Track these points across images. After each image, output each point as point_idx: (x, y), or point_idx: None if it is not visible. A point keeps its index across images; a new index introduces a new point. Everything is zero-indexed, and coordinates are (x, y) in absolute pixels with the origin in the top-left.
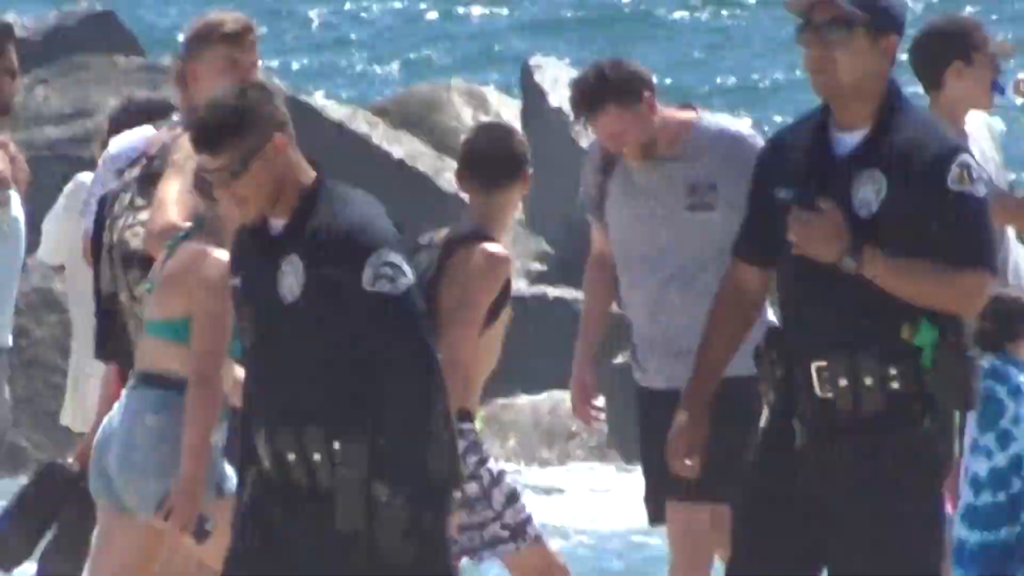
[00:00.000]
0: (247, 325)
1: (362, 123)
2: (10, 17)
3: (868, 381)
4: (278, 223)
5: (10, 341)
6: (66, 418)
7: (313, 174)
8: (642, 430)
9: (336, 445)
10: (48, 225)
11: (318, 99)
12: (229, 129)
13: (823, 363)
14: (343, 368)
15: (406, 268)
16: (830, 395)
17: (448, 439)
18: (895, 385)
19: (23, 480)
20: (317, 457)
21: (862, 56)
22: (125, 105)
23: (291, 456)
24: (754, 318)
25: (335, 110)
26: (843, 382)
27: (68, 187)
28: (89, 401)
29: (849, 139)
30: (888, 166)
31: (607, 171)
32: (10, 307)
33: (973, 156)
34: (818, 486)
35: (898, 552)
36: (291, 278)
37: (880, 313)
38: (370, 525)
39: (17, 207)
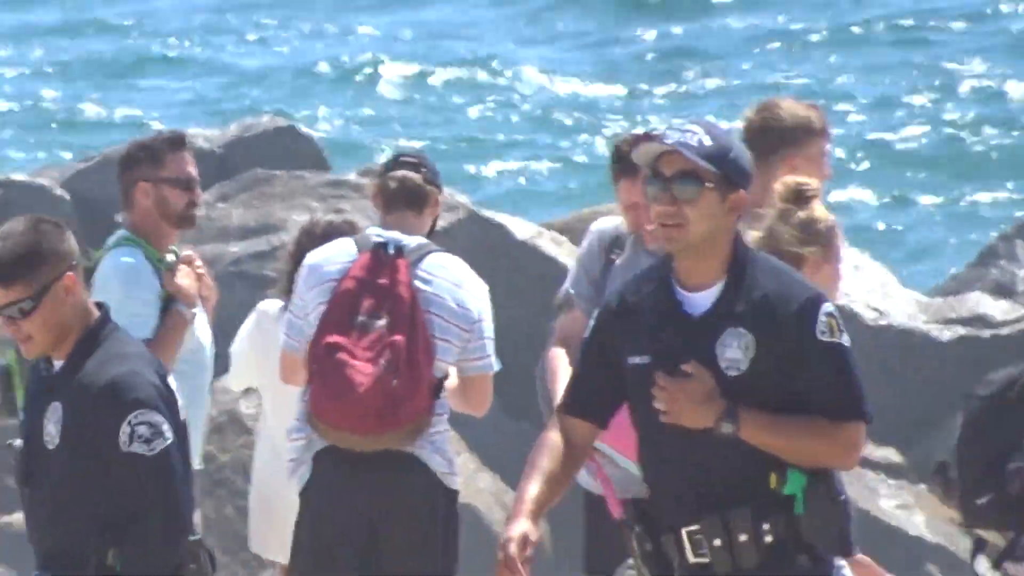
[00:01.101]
0: (16, 466)
1: (548, 243)
2: (191, 130)
3: (743, 538)
4: (58, 363)
5: (200, 463)
6: (254, 544)
7: (97, 314)
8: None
9: None
10: (237, 348)
11: (504, 217)
12: (23, 263)
13: (695, 527)
14: (90, 519)
15: (165, 428)
16: (705, 559)
17: None
18: (769, 539)
19: None
20: None
21: (711, 211)
22: (308, 229)
23: None
24: (579, 466)
25: (521, 228)
26: (717, 542)
27: (254, 313)
28: (287, 526)
29: (700, 297)
30: (752, 322)
31: (612, 252)
32: (200, 429)
33: (831, 303)
34: None
35: None
36: (52, 425)
37: (746, 467)
38: None
39: (203, 326)
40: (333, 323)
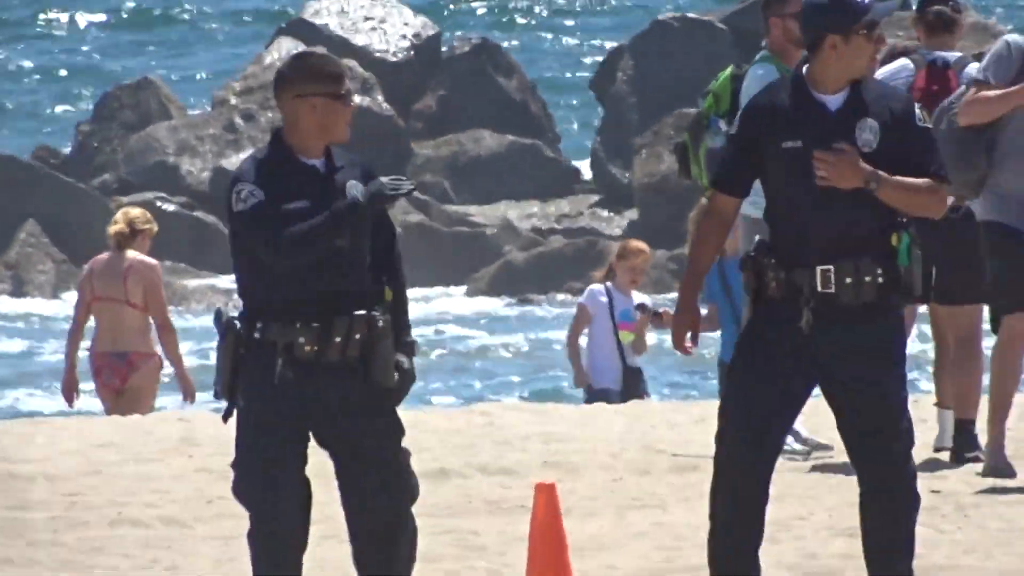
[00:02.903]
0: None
1: None
2: None
3: (867, 279)
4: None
5: None
6: None
7: None
8: None
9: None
10: None
11: None
12: None
13: (829, 267)
14: None
15: None
16: (832, 290)
17: None
18: (881, 280)
19: None
20: None
21: None
22: None
23: None
24: (725, 239)
25: None
26: (848, 280)
27: None
28: None
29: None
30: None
31: None
32: None
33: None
34: (821, 353)
35: (894, 396)
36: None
37: (874, 227)
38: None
39: None
40: None
